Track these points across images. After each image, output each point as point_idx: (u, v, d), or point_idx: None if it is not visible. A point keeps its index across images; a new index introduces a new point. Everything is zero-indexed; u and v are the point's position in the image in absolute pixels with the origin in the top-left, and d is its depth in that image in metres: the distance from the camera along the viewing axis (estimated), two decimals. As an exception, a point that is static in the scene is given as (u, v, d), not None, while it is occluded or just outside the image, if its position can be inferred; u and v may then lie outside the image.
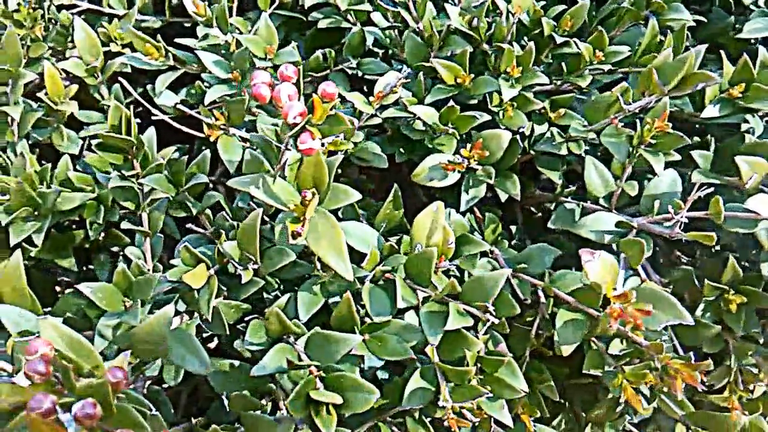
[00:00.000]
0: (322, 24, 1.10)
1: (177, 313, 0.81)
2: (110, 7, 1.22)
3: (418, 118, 0.90)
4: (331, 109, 0.67)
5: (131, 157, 0.76)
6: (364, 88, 1.17)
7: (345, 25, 1.11)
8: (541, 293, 0.87)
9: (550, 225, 0.94)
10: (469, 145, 0.87)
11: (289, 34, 1.21)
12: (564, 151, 0.93)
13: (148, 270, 0.86)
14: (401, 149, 1.01)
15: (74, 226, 0.98)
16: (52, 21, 1.23)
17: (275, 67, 0.95)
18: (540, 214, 1.12)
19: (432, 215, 0.82)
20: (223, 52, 1.04)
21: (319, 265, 0.82)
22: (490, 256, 0.91)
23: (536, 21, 0.93)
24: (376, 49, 1.13)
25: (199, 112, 1.00)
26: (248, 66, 0.95)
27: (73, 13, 1.21)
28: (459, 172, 0.86)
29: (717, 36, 1.10)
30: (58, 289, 1.16)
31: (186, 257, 0.77)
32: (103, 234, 0.99)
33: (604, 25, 0.99)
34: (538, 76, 0.88)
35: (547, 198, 1.04)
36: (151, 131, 0.80)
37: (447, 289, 0.73)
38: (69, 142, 1.02)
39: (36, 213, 0.87)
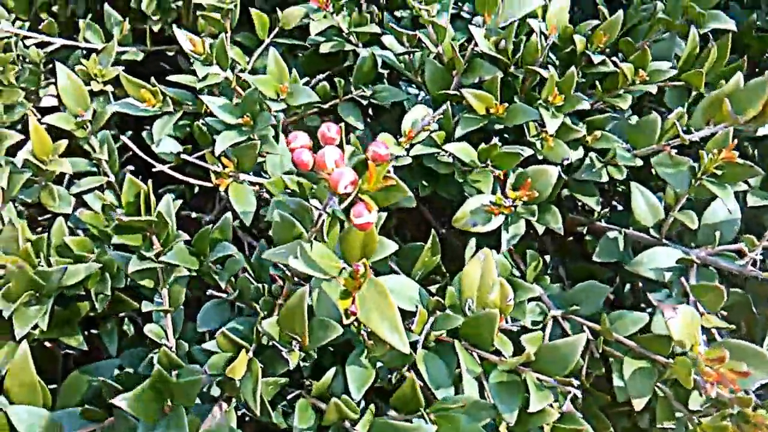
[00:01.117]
0: (324, 48, 1.01)
1: (212, 398, 0.74)
2: (86, 41, 1.12)
3: (451, 155, 0.83)
4: (386, 175, 0.59)
5: (150, 234, 0.68)
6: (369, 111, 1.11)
7: (348, 47, 1.03)
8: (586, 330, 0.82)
9: (595, 258, 0.88)
10: (509, 183, 0.81)
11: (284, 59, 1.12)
12: (605, 178, 0.87)
13: (171, 347, 0.78)
14: (424, 182, 0.94)
15: (78, 298, 0.89)
16: (21, 57, 1.12)
17: (287, 108, 0.87)
18: (571, 237, 1.07)
19: (480, 266, 0.76)
20: (222, 89, 0.96)
21: (364, 334, 0.75)
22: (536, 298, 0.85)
23: (568, 38, 0.86)
24: (381, 70, 1.05)
25: (203, 159, 0.91)
26: (258, 108, 0.86)
27: (47, 53, 1.10)
28: (504, 215, 0.79)
29: (739, 35, 1.04)
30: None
31: (224, 343, 0.69)
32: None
33: (632, 35, 0.93)
34: (581, 103, 0.81)
35: (579, 222, 0.99)
36: (168, 201, 0.71)
37: (522, 359, 0.66)
38: (60, 200, 0.92)
39: (38, 294, 0.78)
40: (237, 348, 0.70)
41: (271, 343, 0.73)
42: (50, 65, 1.17)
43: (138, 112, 0.91)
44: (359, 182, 0.59)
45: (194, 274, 0.74)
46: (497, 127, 0.89)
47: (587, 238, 0.99)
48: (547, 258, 1.00)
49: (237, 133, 0.85)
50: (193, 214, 1.08)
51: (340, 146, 0.62)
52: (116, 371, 0.88)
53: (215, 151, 0.84)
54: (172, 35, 1.14)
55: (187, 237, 0.69)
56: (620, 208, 1.08)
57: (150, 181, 0.65)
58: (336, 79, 0.97)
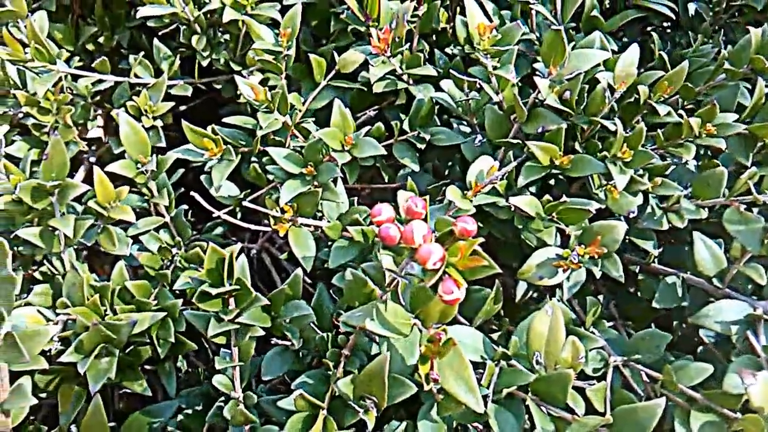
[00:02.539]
0: (378, 88, 1.01)
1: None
2: (137, 76, 1.12)
3: (516, 208, 0.83)
4: (472, 251, 0.59)
5: (228, 298, 0.68)
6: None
7: (400, 85, 1.03)
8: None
9: (655, 305, 0.89)
10: (575, 235, 0.81)
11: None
12: (666, 226, 0.87)
13: (239, 398, 0.79)
14: (480, 223, 0.94)
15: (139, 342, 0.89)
16: (69, 89, 1.12)
17: (353, 159, 0.87)
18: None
19: (548, 319, 0.76)
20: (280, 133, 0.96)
21: (434, 389, 0.75)
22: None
23: (631, 88, 0.86)
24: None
25: (264, 205, 0.92)
26: (320, 157, 0.86)
27: (97, 91, 1.11)
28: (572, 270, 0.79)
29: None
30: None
31: (302, 405, 0.69)
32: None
33: (691, 80, 0.92)
34: (650, 158, 0.81)
35: (633, 262, 0.99)
36: (244, 265, 0.71)
37: (601, 421, 0.67)
38: (119, 243, 0.93)
39: (108, 346, 0.79)
40: (312, 407, 0.70)
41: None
42: (97, 97, 1.18)
43: (196, 157, 0.91)
44: (447, 257, 0.59)
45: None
46: (554, 171, 0.89)
47: (640, 277, 0.99)
48: (600, 297, 1.00)
49: (301, 182, 0.85)
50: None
51: (425, 219, 0.62)
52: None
53: (281, 201, 0.84)
54: (220, 68, 1.16)
55: (265, 301, 0.69)
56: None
57: (236, 248, 0.66)
58: (393, 122, 0.97)
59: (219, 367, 0.74)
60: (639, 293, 1.01)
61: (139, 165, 0.90)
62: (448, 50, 1.10)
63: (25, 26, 1.01)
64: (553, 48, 0.81)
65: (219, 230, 1.08)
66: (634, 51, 0.84)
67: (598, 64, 0.86)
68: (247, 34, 1.13)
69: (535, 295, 1.03)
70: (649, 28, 1.20)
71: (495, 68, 0.83)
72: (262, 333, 0.72)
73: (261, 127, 0.88)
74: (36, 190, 0.83)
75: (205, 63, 1.14)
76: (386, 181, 1.09)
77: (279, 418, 0.77)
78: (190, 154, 0.90)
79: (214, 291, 0.65)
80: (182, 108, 1.25)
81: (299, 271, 0.78)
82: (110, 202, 0.88)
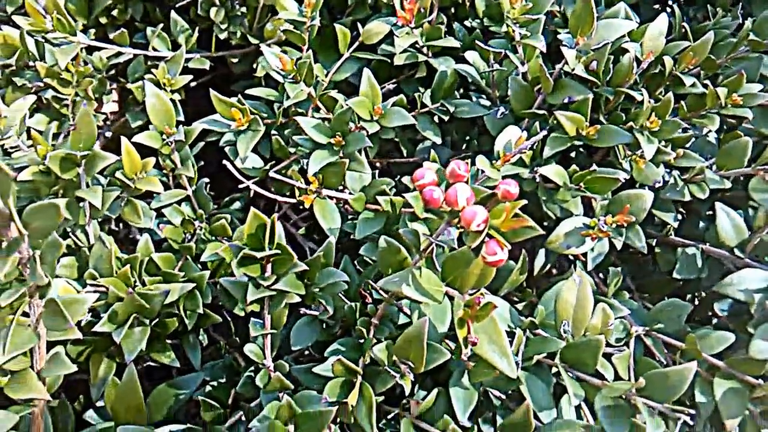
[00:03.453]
0: (399, 60, 1.01)
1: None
2: (154, 49, 1.11)
3: (543, 177, 0.84)
4: (516, 214, 0.60)
5: (266, 263, 0.69)
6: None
7: (421, 58, 1.03)
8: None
9: (676, 275, 0.90)
10: (601, 205, 0.82)
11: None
12: (687, 197, 0.88)
13: (268, 367, 0.80)
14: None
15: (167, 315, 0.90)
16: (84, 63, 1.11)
17: (381, 128, 0.87)
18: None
19: (575, 290, 0.77)
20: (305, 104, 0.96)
21: (465, 354, 0.76)
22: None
23: (656, 59, 0.86)
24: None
25: (287, 175, 0.92)
26: (347, 128, 0.87)
27: (113, 65, 1.10)
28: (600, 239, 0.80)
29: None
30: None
31: (339, 370, 0.70)
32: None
33: (713, 52, 0.93)
34: (678, 128, 0.82)
35: (650, 235, 1.00)
36: (281, 230, 0.72)
37: (633, 385, 0.68)
38: (144, 216, 0.93)
39: (140, 317, 0.80)
40: (349, 372, 0.71)
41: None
42: (112, 71, 1.18)
43: (222, 128, 0.91)
44: (490, 220, 0.60)
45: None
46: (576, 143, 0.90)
47: (657, 250, 1.01)
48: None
49: (329, 152, 0.86)
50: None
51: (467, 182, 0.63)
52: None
53: (309, 171, 0.84)
54: (237, 41, 1.16)
55: (304, 266, 0.70)
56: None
57: (275, 216, 0.66)
58: (416, 94, 0.97)
59: (254, 334, 0.74)
60: (655, 266, 1.03)
61: (164, 136, 0.90)
62: (466, 23, 1.10)
63: (42, -2, 1.00)
64: (582, 18, 0.81)
65: (237, 205, 1.09)
66: (662, 21, 0.84)
67: (623, 36, 0.86)
68: (264, 7, 1.13)
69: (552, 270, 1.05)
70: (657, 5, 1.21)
71: (523, 37, 0.83)
72: (297, 299, 0.73)
73: (288, 97, 0.87)
74: (64, 160, 0.83)
75: (222, 36, 1.14)
76: (404, 155, 1.09)
77: (310, 386, 0.78)
78: (216, 124, 0.90)
79: (258, 254, 0.65)
80: (193, 84, 1.25)
81: (332, 239, 0.78)
82: (137, 174, 0.88)
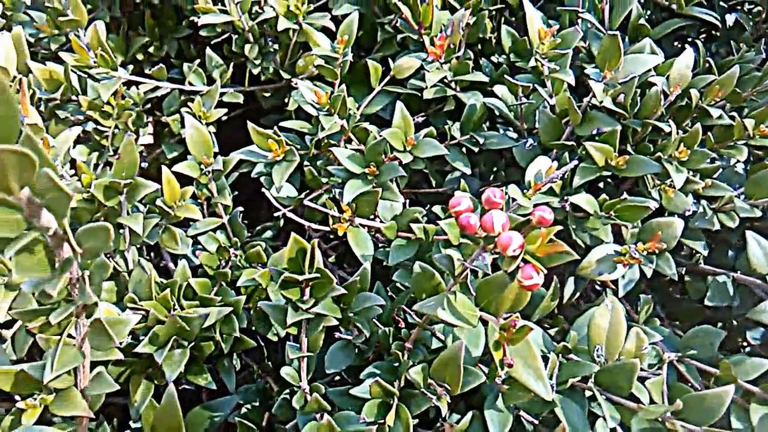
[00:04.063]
0: (428, 94, 1.04)
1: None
2: (191, 84, 1.15)
3: (574, 206, 0.85)
4: (549, 239, 0.62)
5: (305, 287, 0.71)
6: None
7: (449, 92, 1.06)
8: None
9: (708, 303, 0.91)
10: (630, 233, 0.83)
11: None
12: (717, 226, 0.90)
13: (304, 389, 0.81)
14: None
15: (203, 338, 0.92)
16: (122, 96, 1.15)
17: (413, 159, 0.90)
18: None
19: (608, 315, 0.79)
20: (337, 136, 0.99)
21: (499, 378, 0.77)
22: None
23: (682, 92, 0.89)
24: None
25: (324, 205, 0.95)
26: (381, 158, 0.89)
27: (149, 99, 1.14)
28: (631, 266, 0.82)
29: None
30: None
31: (377, 391, 0.71)
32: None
33: (737, 85, 0.95)
34: (706, 158, 0.84)
35: (679, 263, 1.01)
36: (319, 255, 0.74)
37: (670, 408, 0.68)
38: (181, 242, 0.95)
39: (179, 339, 0.81)
40: (386, 394, 0.72)
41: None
42: (148, 105, 1.22)
43: (259, 158, 0.94)
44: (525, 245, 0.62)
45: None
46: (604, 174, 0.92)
47: (687, 279, 1.01)
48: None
49: (362, 182, 0.88)
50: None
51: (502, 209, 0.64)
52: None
53: (344, 200, 0.87)
54: (270, 76, 1.20)
55: (342, 290, 0.71)
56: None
57: (315, 241, 0.68)
58: (446, 126, 1.00)
59: (291, 357, 0.76)
60: (684, 294, 1.03)
61: (202, 166, 0.93)
62: (493, 59, 1.13)
63: (85, 35, 1.05)
64: (610, 53, 0.84)
65: (269, 233, 1.11)
66: (688, 55, 0.87)
67: (649, 70, 0.89)
68: (296, 44, 1.18)
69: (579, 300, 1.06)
70: (677, 42, 1.24)
71: (552, 71, 0.85)
72: (335, 323, 0.74)
73: (323, 128, 0.90)
74: (108, 188, 0.86)
75: (255, 71, 1.18)
76: (434, 185, 1.12)
77: (344, 408, 0.79)
78: (252, 155, 0.93)
79: (300, 277, 0.67)
80: (224, 118, 1.29)
81: (367, 265, 0.80)
82: (176, 202, 0.91)
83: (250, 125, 0.92)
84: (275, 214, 0.95)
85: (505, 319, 0.69)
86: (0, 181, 0.40)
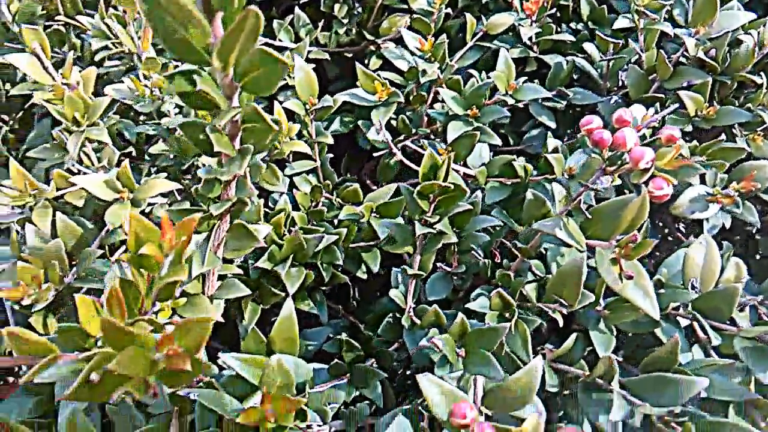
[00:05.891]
0: (513, 53, 1.09)
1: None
2: (280, 41, 1.20)
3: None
4: (680, 155, 0.67)
5: (432, 201, 0.75)
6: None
7: (531, 54, 1.12)
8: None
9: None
10: (720, 176, 0.88)
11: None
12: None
13: (410, 309, 0.85)
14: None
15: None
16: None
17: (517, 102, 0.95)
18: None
19: (703, 251, 0.83)
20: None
21: (601, 305, 0.82)
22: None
23: (769, 47, 0.94)
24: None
25: (422, 146, 0.99)
26: (482, 101, 0.94)
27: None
28: (724, 205, 0.86)
29: None
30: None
31: (496, 303, 0.76)
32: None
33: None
34: (797, 107, 0.89)
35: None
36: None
37: (766, 329, 0.73)
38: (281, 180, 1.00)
39: (294, 260, 0.86)
40: (505, 306, 0.77)
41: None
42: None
43: (361, 101, 0.99)
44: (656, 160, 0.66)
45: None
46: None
47: (758, 237, 1.06)
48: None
49: (463, 123, 0.93)
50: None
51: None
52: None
53: (447, 139, 0.91)
54: (353, 38, 1.25)
55: (467, 206, 0.76)
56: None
57: (452, 154, 0.73)
58: (535, 81, 1.05)
59: (400, 281, 0.80)
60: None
61: (307, 105, 0.98)
62: (571, 26, 1.19)
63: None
64: (705, 8, 0.89)
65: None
66: (780, 12, 0.92)
67: (738, 27, 0.94)
68: (381, 6, 1.23)
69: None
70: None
71: (649, 23, 0.91)
72: (455, 239, 0.79)
73: (425, 72, 0.95)
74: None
75: (341, 30, 1.23)
76: (511, 144, 1.17)
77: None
78: (358, 98, 0.98)
79: (436, 182, 0.72)
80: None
81: (478, 192, 0.85)
82: (284, 137, 0.95)
83: (359, 67, 0.97)
84: (374, 155, 0.99)
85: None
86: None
